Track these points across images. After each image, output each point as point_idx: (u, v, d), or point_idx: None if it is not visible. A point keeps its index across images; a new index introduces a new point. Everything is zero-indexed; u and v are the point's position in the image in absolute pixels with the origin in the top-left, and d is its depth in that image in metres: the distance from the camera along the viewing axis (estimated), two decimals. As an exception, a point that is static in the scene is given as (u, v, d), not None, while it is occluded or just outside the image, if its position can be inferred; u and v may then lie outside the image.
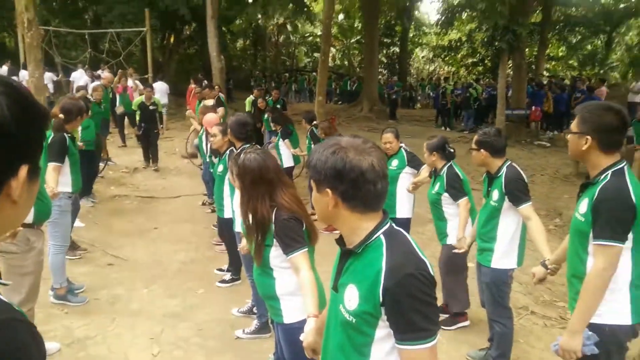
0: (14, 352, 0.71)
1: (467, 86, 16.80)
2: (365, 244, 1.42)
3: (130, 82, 11.85)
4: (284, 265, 2.41)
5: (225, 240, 4.89)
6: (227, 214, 4.55)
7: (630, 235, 2.11)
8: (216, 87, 11.43)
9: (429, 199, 4.29)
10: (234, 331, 3.98)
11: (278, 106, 10.50)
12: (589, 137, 2.16)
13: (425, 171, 4.62)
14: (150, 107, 9.30)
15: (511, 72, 15.32)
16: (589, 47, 24.87)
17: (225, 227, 4.67)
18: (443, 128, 15.96)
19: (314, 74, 29.07)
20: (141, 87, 11.47)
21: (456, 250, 3.83)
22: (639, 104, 13.61)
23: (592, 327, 2.16)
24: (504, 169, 3.26)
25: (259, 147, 2.83)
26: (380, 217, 1.45)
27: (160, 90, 12.75)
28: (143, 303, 4.43)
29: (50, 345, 3.53)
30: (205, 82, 15.85)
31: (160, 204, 7.75)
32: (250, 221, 2.41)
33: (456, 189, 3.96)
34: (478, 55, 25.73)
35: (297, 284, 2.35)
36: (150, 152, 9.58)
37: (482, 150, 3.30)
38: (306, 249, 2.34)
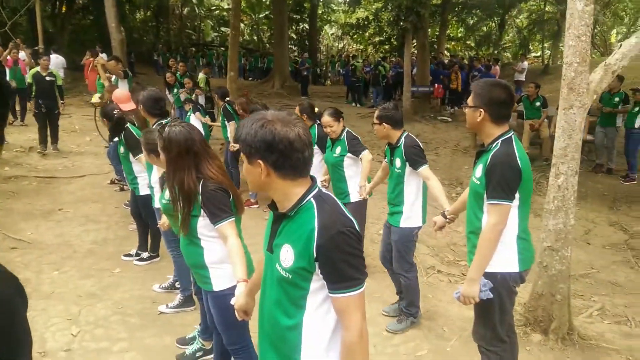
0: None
1: (377, 64, 17.32)
2: (298, 207, 1.53)
3: (22, 55, 10.82)
4: (212, 235, 2.44)
5: (140, 218, 4.74)
6: (142, 191, 4.42)
7: (516, 195, 2.42)
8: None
9: (328, 162, 4.55)
10: (156, 307, 3.93)
11: (186, 79, 10.09)
12: (482, 109, 2.45)
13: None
14: (47, 78, 8.43)
15: (415, 51, 16.01)
16: (484, 28, 26.55)
17: (141, 205, 4.53)
18: (353, 104, 16.40)
19: (222, 49, 28.33)
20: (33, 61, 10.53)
21: (360, 198, 4.22)
22: (523, 82, 14.95)
23: (487, 275, 2.47)
24: (402, 139, 3.63)
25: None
26: (309, 182, 1.56)
27: (56, 63, 11.76)
28: (55, 285, 4.21)
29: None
30: (104, 54, 14.88)
31: (63, 184, 7.26)
32: (177, 193, 2.41)
33: (356, 147, 4.29)
34: (385, 34, 26.42)
35: (224, 252, 2.40)
36: (51, 132, 8.65)
37: (383, 123, 3.64)
38: (233, 219, 2.39)
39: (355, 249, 1.48)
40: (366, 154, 4.28)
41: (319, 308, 1.55)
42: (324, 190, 1.59)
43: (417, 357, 3.44)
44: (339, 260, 1.45)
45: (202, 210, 2.39)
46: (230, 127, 6.60)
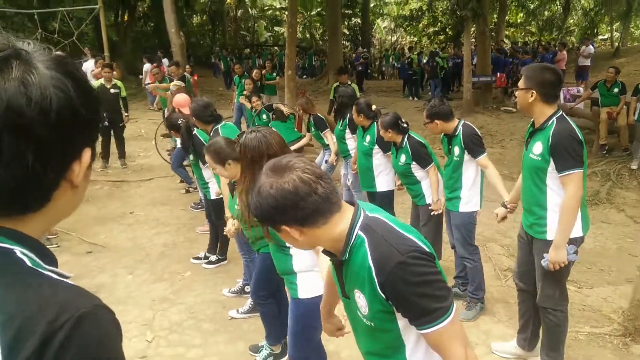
0: (102, 343, 0.67)
1: (434, 55, 16.84)
2: (349, 248, 1.37)
3: (90, 64, 11.28)
4: None
5: (211, 222, 4.75)
6: (212, 196, 4.43)
7: None
8: (187, 67, 11.14)
9: (396, 170, 4.40)
10: (226, 312, 3.91)
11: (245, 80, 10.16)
12: (533, 90, 2.64)
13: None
14: (112, 91, 7.98)
15: (474, 40, 15.42)
16: (546, 12, 25.27)
17: (212, 209, 4.54)
18: (411, 98, 16.01)
19: (276, 48, 28.60)
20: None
21: (434, 212, 4.10)
22: (589, 67, 14.04)
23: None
24: (460, 128, 3.65)
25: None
26: (351, 212, 1.39)
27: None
28: (129, 290, 4.29)
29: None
30: (165, 59, 15.35)
31: (133, 188, 7.50)
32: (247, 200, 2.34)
33: (422, 157, 4.09)
34: (439, 24, 25.79)
35: (313, 260, 2.32)
36: (117, 147, 8.34)
37: (435, 121, 3.67)
38: None
39: (425, 274, 1.28)
40: (432, 169, 4.11)
41: (420, 340, 1.40)
42: (372, 214, 1.40)
43: None
44: (410, 294, 1.28)
45: None
46: (328, 135, 6.06)
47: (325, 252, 1.47)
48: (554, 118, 2.65)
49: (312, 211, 1.30)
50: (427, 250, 1.32)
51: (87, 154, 0.74)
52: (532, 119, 2.82)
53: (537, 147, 2.69)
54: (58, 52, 0.76)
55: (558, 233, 2.66)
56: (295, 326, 2.48)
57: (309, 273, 2.38)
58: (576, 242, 2.74)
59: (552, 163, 2.64)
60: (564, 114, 2.70)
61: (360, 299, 1.38)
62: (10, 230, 0.70)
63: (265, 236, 2.40)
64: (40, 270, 0.69)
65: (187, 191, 7.08)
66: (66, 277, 0.72)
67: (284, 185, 1.28)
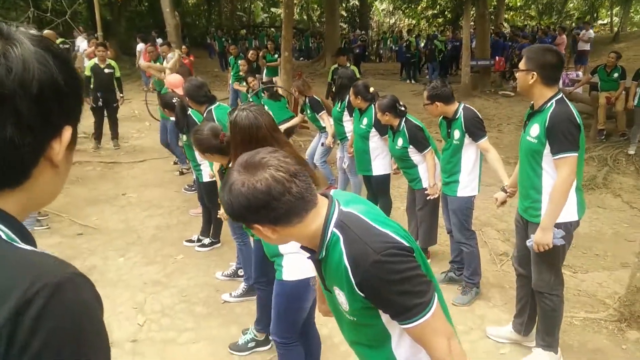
0: (82, 311, 0.63)
1: (432, 38, 16.65)
2: (325, 246, 1.31)
3: (84, 44, 11.05)
4: None
5: (204, 205, 4.68)
6: (205, 178, 4.35)
7: None
8: (183, 47, 10.98)
9: (393, 154, 4.34)
10: (219, 295, 3.86)
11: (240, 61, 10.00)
12: (534, 72, 2.60)
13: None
14: (106, 71, 7.83)
15: (473, 23, 15.23)
16: (546, -4, 25.03)
17: (205, 191, 4.46)
18: (408, 81, 15.88)
19: (273, 29, 28.20)
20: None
21: (430, 197, 4.06)
22: (589, 52, 13.91)
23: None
24: (461, 111, 3.59)
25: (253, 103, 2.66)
26: (325, 207, 1.32)
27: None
28: (120, 272, 4.23)
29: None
30: (160, 39, 15.09)
31: (125, 169, 7.40)
32: None
33: (419, 141, 4.03)
34: (438, 7, 25.45)
35: None
36: (110, 127, 8.20)
37: (435, 102, 3.60)
38: None
39: (402, 271, 1.23)
40: (429, 153, 4.05)
41: (405, 332, 1.36)
42: (346, 209, 1.33)
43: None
44: (388, 292, 1.24)
45: None
46: (324, 117, 5.90)
47: (303, 248, 1.41)
48: (554, 100, 2.61)
49: (285, 211, 1.24)
50: (406, 244, 1.27)
51: (67, 132, 0.72)
52: (532, 102, 2.76)
53: (535, 130, 2.67)
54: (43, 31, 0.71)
55: (546, 215, 2.65)
56: (278, 306, 2.44)
57: (296, 255, 2.31)
58: (571, 225, 2.72)
59: (548, 146, 2.61)
60: (564, 96, 2.66)
61: (341, 296, 1.35)
62: None
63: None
64: (15, 244, 0.66)
65: (181, 173, 7.00)
66: None
67: (256, 184, 1.21)
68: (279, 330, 2.49)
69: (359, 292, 1.26)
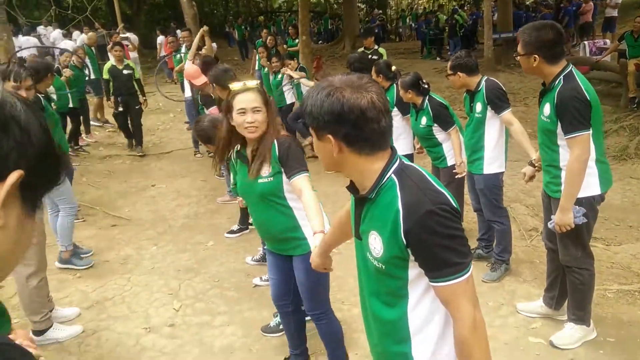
0: None
1: (454, 13, 16.30)
2: (378, 187, 1.32)
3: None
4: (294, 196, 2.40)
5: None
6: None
7: None
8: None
9: (416, 133, 4.30)
10: (250, 280, 3.95)
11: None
12: (535, 55, 2.54)
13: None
14: (125, 72, 7.24)
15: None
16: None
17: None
18: (437, 58, 15.59)
19: (289, 14, 28.04)
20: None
21: (458, 176, 3.99)
22: (616, 18, 13.39)
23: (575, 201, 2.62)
24: (483, 83, 3.53)
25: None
26: (389, 155, 1.34)
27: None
28: (154, 260, 4.36)
29: (69, 311, 3.48)
30: (179, 31, 15.18)
31: (153, 161, 7.56)
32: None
33: (443, 119, 3.99)
34: (458, -20, 24.91)
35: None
36: (134, 132, 7.65)
37: (458, 73, 3.55)
38: (308, 173, 2.33)
39: (451, 228, 1.25)
40: (454, 131, 3.99)
41: (424, 296, 1.36)
42: (408, 162, 1.36)
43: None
44: (434, 244, 1.24)
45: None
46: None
47: (349, 187, 1.44)
48: (561, 76, 2.55)
49: (366, 137, 1.28)
50: (457, 207, 1.30)
51: (13, 176, 0.56)
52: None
53: (546, 109, 2.63)
54: None
55: (563, 196, 2.60)
56: (308, 281, 2.45)
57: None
58: (594, 199, 2.67)
59: (559, 125, 2.58)
60: (573, 69, 2.58)
61: (377, 241, 1.34)
62: None
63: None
64: None
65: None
66: None
67: (358, 99, 1.24)
68: (316, 304, 2.52)
69: (402, 238, 1.26)
